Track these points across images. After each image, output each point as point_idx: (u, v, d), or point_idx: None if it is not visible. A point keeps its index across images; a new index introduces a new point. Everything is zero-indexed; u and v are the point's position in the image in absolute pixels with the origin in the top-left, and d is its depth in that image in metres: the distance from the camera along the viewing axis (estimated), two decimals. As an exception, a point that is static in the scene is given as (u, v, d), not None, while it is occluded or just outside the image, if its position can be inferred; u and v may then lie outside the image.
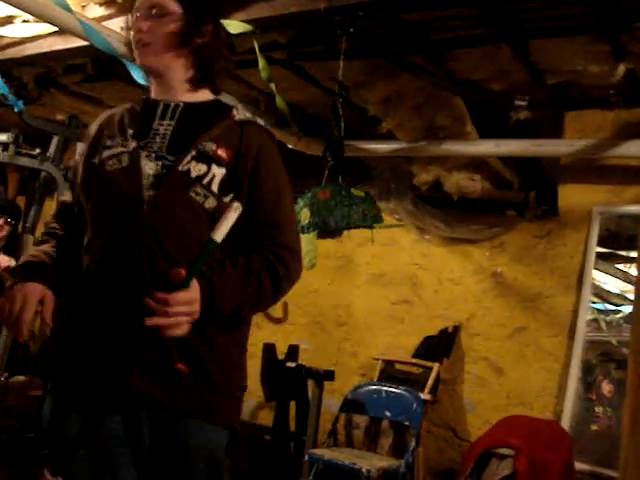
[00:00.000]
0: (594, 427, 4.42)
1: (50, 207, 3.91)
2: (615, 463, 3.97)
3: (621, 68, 3.76)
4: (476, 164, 4.80)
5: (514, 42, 3.65)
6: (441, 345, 4.82)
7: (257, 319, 5.67)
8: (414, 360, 4.85)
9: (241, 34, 3.32)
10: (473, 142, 4.50)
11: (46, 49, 4.01)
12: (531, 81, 4.14)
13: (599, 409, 4.41)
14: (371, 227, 3.50)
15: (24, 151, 4.99)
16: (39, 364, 5.34)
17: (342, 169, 3.52)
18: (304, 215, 3.35)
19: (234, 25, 3.25)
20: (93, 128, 1.99)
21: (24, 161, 4.98)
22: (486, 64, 3.94)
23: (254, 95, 4.72)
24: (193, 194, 1.79)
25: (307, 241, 3.42)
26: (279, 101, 3.75)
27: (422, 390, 4.58)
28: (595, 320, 4.59)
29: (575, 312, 4.54)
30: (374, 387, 4.69)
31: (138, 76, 3.57)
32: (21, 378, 5.03)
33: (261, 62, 3.44)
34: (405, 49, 3.85)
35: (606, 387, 4.43)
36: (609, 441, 4.27)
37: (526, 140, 4.39)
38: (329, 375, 4.67)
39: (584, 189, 4.60)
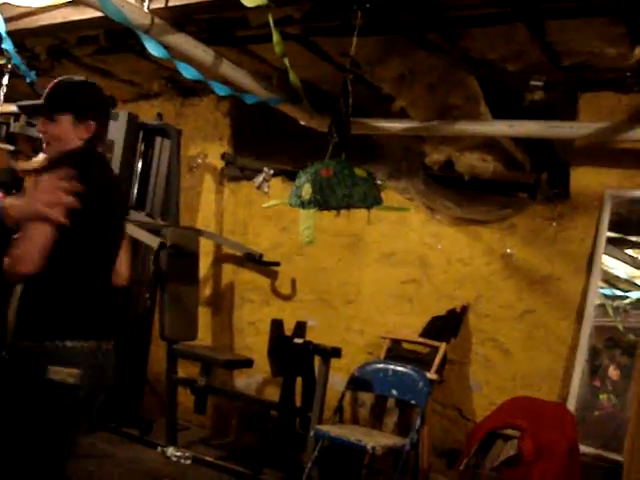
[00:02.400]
0: (598, 412, 4.42)
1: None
2: (620, 447, 3.99)
3: (637, 51, 3.73)
4: (488, 145, 4.77)
5: (531, 22, 3.62)
6: (449, 325, 4.81)
7: (266, 296, 5.69)
8: (421, 339, 4.85)
9: (256, 7, 3.29)
10: (486, 122, 4.48)
11: (60, 20, 4.00)
12: (546, 62, 4.11)
13: (603, 396, 4.41)
14: (370, 208, 3.49)
15: (35, 122, 4.99)
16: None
17: (346, 146, 3.50)
18: (305, 191, 3.33)
19: (249, -2, 3.23)
20: None
21: (34, 132, 4.98)
22: (502, 44, 3.92)
23: (267, 70, 4.70)
24: None
25: (307, 217, 3.42)
26: (292, 77, 3.73)
27: (428, 369, 4.58)
28: (602, 305, 4.57)
29: (584, 296, 4.53)
30: (381, 365, 4.70)
31: (152, 49, 3.56)
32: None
33: (275, 36, 3.42)
34: (421, 26, 3.83)
35: (613, 372, 4.43)
36: (614, 425, 4.27)
37: (540, 121, 4.36)
38: (336, 352, 4.68)
39: (596, 172, 4.58)
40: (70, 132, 2.39)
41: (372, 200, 3.42)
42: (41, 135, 2.42)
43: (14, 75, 4.77)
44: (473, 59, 4.14)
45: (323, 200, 3.30)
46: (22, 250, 2.09)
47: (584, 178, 4.62)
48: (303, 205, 3.36)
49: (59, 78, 2.48)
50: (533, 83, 4.21)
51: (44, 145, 2.43)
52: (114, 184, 2.50)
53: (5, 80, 4.79)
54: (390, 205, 4.67)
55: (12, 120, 5.00)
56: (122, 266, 2.55)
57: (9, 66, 4.65)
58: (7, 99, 4.83)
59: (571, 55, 4.01)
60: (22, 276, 2.16)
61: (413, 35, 3.95)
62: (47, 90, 2.43)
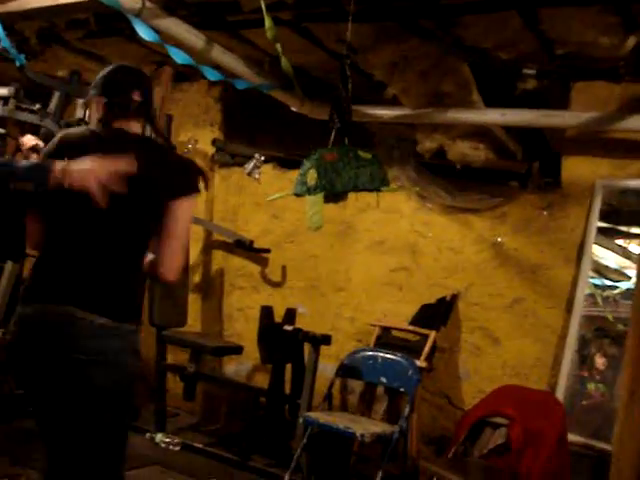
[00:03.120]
0: (587, 402, 4.44)
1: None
2: (608, 436, 4.01)
3: (631, 40, 3.73)
4: (480, 133, 4.76)
5: (524, 10, 3.60)
6: (438, 313, 4.82)
7: (255, 282, 5.68)
8: (411, 327, 4.86)
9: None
10: (479, 110, 4.47)
11: (50, 3, 3.96)
12: (539, 51, 4.10)
13: (591, 386, 4.43)
14: (379, 190, 3.47)
15: (24, 106, 4.95)
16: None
17: (349, 131, 3.49)
18: (310, 176, 3.32)
19: (241, -17, 3.21)
20: None
21: (24, 116, 4.95)
22: (495, 32, 3.90)
23: (258, 56, 4.67)
24: None
25: (313, 202, 3.40)
26: (284, 63, 3.71)
27: (418, 357, 4.59)
28: (592, 295, 4.58)
29: (574, 285, 4.54)
30: (370, 353, 4.70)
31: (142, 33, 3.52)
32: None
33: (267, 22, 3.40)
34: (414, 13, 3.81)
35: (599, 360, 4.45)
36: (602, 415, 4.30)
37: (532, 110, 4.36)
38: (326, 339, 4.68)
39: (588, 162, 4.58)
40: None
41: (379, 181, 3.41)
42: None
43: (4, 59, 4.72)
44: (466, 47, 4.13)
45: (329, 184, 3.29)
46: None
47: (575, 167, 4.62)
48: (309, 191, 3.35)
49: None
50: (526, 71, 4.20)
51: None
52: None
53: (-6, 63, 4.75)
54: (395, 187, 4.66)
55: (1, 104, 4.95)
56: (161, 258, 2.45)
57: (-1, 50, 4.60)
58: (-4, 83, 4.79)
59: (564, 44, 4.00)
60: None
61: (406, 22, 3.93)
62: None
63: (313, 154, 3.40)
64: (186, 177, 2.47)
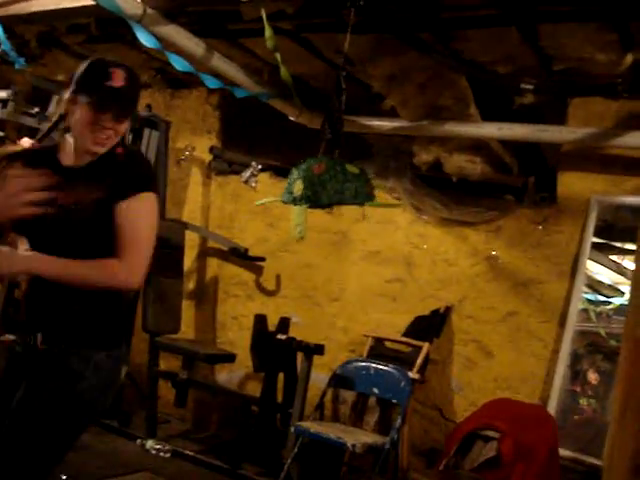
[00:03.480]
0: (578, 417, 4.44)
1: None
2: (599, 451, 4.01)
3: (628, 58, 3.75)
4: (477, 147, 4.78)
5: (524, 25, 3.63)
6: (432, 325, 4.83)
7: (250, 291, 5.68)
8: (404, 339, 4.86)
9: (250, 1, 3.29)
10: (476, 124, 4.49)
11: (51, 7, 3.98)
12: (537, 66, 4.12)
13: (583, 401, 4.44)
14: (362, 204, 3.49)
15: (23, 109, 4.96)
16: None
17: (339, 143, 3.50)
18: (297, 187, 3.34)
19: (242, -8, 3.23)
20: None
21: (22, 119, 4.96)
22: (494, 46, 3.92)
23: (258, 65, 4.69)
24: None
25: (298, 213, 3.43)
26: (284, 72, 3.73)
27: (411, 369, 4.60)
28: (585, 310, 4.59)
29: (567, 300, 4.55)
30: (363, 363, 4.71)
31: (143, 39, 3.54)
32: (11, 337, 5.02)
33: (268, 31, 3.41)
34: (414, 26, 3.83)
35: (592, 376, 4.45)
36: (593, 430, 4.30)
37: (529, 125, 4.38)
38: (319, 349, 4.68)
39: (584, 177, 4.59)
40: None
41: (363, 197, 3.42)
42: (106, 133, 2.24)
43: (3, 61, 4.73)
44: (464, 60, 4.15)
45: (314, 196, 3.31)
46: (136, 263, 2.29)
47: (571, 183, 4.64)
48: (295, 201, 3.36)
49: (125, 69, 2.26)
50: (523, 86, 4.22)
51: (98, 143, 2.26)
52: None
53: (-6, 66, 4.76)
54: (380, 202, 4.67)
55: (0, 106, 4.97)
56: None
57: (-2, 52, 4.61)
58: (-4, 85, 4.80)
59: (562, 60, 4.02)
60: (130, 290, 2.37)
61: (405, 35, 3.95)
62: (124, 83, 2.21)
63: (302, 164, 3.41)
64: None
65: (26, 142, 4.34)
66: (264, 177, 5.73)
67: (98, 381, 2.27)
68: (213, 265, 5.88)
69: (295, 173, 3.42)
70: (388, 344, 4.96)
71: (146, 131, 5.61)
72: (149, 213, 2.33)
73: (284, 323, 5.04)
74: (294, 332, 4.99)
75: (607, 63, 3.87)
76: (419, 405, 4.88)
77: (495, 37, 3.81)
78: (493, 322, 4.80)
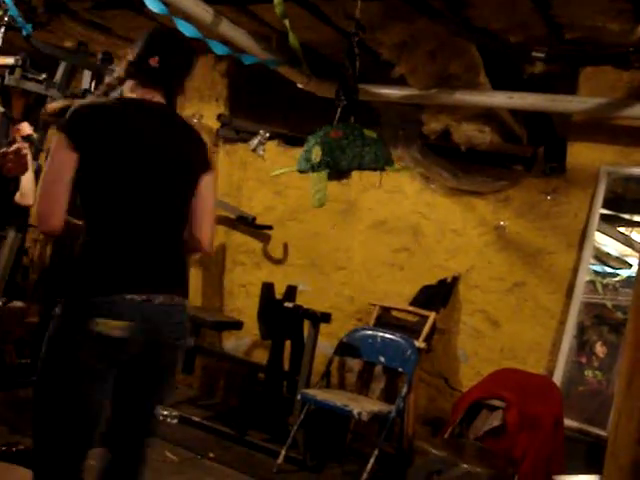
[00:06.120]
0: (583, 388, 4.46)
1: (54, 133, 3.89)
2: (604, 422, 4.04)
3: (641, 28, 3.71)
4: (486, 116, 4.74)
5: (535, -7, 3.58)
6: (439, 295, 4.83)
7: (257, 259, 5.69)
8: (411, 308, 4.87)
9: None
10: (486, 93, 4.45)
11: (58, -28, 3.94)
12: (549, 35, 4.08)
13: (589, 373, 4.44)
14: (383, 169, 3.46)
15: (30, 75, 4.93)
16: (37, 292, 5.36)
17: (355, 109, 3.48)
18: (315, 153, 3.31)
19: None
20: None
21: (30, 86, 4.93)
22: (505, 14, 3.88)
23: (266, 32, 4.65)
24: None
25: (317, 179, 3.39)
26: (292, 39, 3.70)
27: (417, 338, 4.61)
28: (592, 282, 4.59)
29: (575, 271, 4.54)
30: (369, 332, 4.72)
31: (151, 5, 3.51)
32: (19, 304, 5.06)
33: (276, -3, 3.38)
34: (424, -8, 3.79)
35: (600, 349, 4.46)
36: (598, 401, 4.32)
37: (540, 94, 4.34)
38: (326, 317, 4.70)
39: (593, 148, 4.56)
40: None
41: (384, 161, 3.40)
42: None
43: (10, 28, 4.69)
44: (475, 28, 4.10)
45: (334, 162, 3.29)
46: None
47: (581, 153, 4.61)
48: (313, 168, 3.34)
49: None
50: (535, 54, 4.18)
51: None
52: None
53: (0, 32, 4.71)
54: (398, 167, 4.64)
55: (7, 73, 4.93)
56: (202, 232, 2.40)
57: (5, 19, 4.57)
58: (3, 52, 4.76)
59: (574, 29, 3.98)
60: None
61: (415, 1, 3.91)
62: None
63: (318, 131, 3.39)
64: (207, 152, 2.44)
65: (25, 127, 4.31)
66: (272, 145, 5.70)
67: None
68: (220, 233, 5.88)
69: (312, 140, 3.40)
70: (395, 313, 4.97)
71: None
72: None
73: (291, 291, 5.06)
74: (301, 300, 5.01)
75: (619, 32, 3.82)
76: (425, 374, 4.90)
77: (506, 5, 3.76)
78: (500, 292, 4.80)
